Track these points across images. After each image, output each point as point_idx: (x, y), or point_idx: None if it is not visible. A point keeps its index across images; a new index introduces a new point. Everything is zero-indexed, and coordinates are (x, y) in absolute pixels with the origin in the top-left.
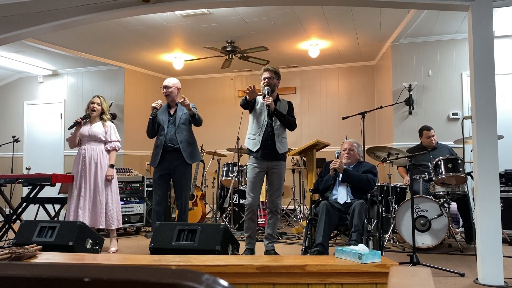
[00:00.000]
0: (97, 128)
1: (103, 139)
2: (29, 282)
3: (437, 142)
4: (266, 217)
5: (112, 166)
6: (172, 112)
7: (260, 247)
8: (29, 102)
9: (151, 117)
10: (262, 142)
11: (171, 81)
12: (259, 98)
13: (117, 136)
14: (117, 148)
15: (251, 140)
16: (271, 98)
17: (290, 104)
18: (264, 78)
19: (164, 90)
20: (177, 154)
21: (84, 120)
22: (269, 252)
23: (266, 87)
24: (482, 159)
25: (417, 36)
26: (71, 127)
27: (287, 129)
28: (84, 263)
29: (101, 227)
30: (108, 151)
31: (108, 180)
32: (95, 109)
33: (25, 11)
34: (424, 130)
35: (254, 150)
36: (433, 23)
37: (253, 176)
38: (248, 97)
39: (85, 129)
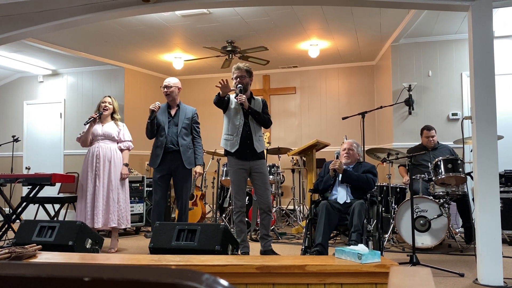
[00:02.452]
0: (111, 127)
1: (117, 138)
2: (29, 281)
3: (438, 142)
4: None
5: (127, 165)
6: (172, 112)
7: (259, 247)
8: (29, 101)
9: (149, 121)
10: (241, 142)
11: (172, 81)
12: (233, 97)
13: (129, 136)
14: (130, 148)
15: (228, 141)
16: (244, 96)
17: (264, 102)
18: (236, 77)
19: (165, 89)
20: (178, 155)
21: (98, 117)
22: (267, 252)
23: (238, 86)
24: (482, 159)
25: (417, 36)
26: (87, 123)
27: (262, 127)
28: (83, 262)
29: (113, 225)
30: (121, 150)
31: (123, 179)
32: (108, 108)
33: (25, 10)
34: (424, 130)
35: (233, 150)
36: (433, 23)
37: (237, 178)
38: (221, 92)
39: (98, 128)
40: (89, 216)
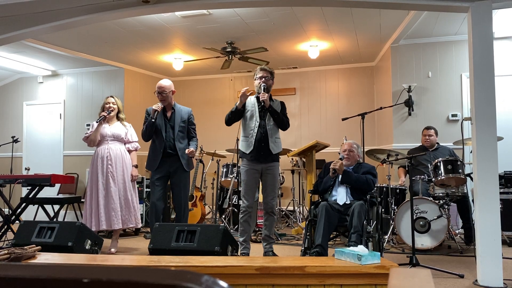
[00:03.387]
0: (118, 128)
1: (125, 139)
2: (28, 282)
3: (438, 143)
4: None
5: (136, 166)
6: (168, 115)
7: (258, 249)
8: (29, 102)
9: (153, 120)
10: (255, 144)
11: (165, 84)
12: (248, 101)
13: (136, 136)
14: (137, 149)
15: (244, 142)
16: (266, 95)
17: (283, 104)
18: (261, 78)
19: (160, 96)
20: (177, 158)
21: (108, 114)
22: (268, 253)
23: (262, 84)
24: (482, 160)
25: (416, 38)
26: (98, 121)
27: (280, 129)
28: (83, 263)
29: (131, 226)
30: (129, 151)
31: (133, 180)
32: (112, 108)
33: (25, 11)
34: (424, 129)
35: (247, 152)
36: (433, 24)
37: (247, 178)
38: (242, 99)
39: (106, 129)
40: (103, 218)
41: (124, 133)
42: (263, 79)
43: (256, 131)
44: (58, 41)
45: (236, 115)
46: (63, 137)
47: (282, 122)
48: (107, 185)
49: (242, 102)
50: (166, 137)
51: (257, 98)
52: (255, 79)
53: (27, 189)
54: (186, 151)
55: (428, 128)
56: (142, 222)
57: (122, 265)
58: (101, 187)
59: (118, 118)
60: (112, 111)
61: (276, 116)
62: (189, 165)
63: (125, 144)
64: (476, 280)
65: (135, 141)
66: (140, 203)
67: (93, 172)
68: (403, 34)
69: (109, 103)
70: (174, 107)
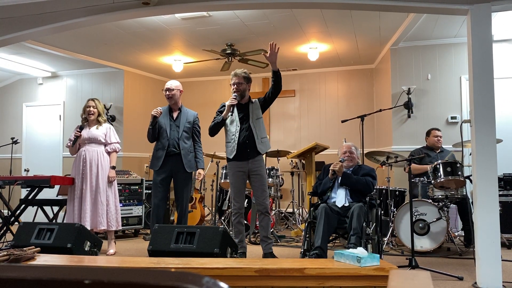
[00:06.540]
0: (96, 131)
1: (103, 141)
2: (29, 284)
3: (442, 146)
4: None
5: (113, 167)
6: (174, 115)
7: (259, 250)
8: (28, 103)
9: (150, 127)
10: (238, 148)
11: (173, 84)
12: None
13: (116, 138)
14: (117, 150)
15: (228, 148)
16: (233, 104)
17: (260, 98)
18: (233, 84)
19: (167, 93)
20: (179, 158)
21: (82, 130)
22: (267, 254)
23: (234, 93)
24: (481, 163)
25: (416, 40)
26: (73, 143)
27: (277, 90)
28: (83, 265)
29: (102, 228)
30: (109, 153)
31: (110, 182)
32: (92, 112)
33: (25, 13)
34: (432, 130)
35: (231, 157)
36: (432, 27)
37: (236, 181)
38: (224, 113)
39: (85, 132)
40: (77, 219)
41: (103, 135)
42: (235, 85)
43: (237, 135)
44: (58, 42)
45: (221, 125)
46: (62, 138)
47: (277, 83)
48: (81, 187)
49: (228, 113)
50: (171, 137)
51: (237, 104)
52: (230, 85)
53: (27, 190)
54: (196, 176)
55: (437, 129)
56: (141, 224)
57: (123, 267)
58: (77, 189)
59: (98, 121)
60: (92, 115)
61: (277, 80)
62: (190, 167)
63: (104, 146)
64: (475, 283)
65: (114, 143)
66: (139, 205)
67: (72, 175)
68: (403, 37)
69: (89, 106)
70: (181, 108)
